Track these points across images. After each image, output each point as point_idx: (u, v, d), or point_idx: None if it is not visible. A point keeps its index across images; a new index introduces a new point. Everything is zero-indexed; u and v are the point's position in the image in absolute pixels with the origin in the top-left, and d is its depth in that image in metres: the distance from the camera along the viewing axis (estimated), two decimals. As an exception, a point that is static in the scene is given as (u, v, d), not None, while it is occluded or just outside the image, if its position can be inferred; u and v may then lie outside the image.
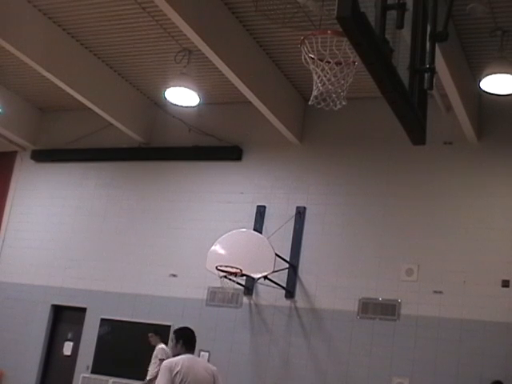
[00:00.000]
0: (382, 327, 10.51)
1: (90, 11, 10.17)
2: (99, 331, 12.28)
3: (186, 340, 5.53)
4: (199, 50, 9.79)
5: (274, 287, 10.97)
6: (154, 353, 10.78)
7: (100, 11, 10.12)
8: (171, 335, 5.72)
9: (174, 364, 5.28)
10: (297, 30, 8.83)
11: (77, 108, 12.94)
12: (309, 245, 11.33)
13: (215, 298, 11.64)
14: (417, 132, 4.12)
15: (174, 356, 5.53)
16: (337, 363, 10.64)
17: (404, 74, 3.80)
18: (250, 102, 10.83)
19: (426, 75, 3.98)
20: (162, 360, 10.60)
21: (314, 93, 6.99)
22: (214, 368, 5.55)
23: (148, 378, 10.67)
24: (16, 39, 10.10)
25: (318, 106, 7.19)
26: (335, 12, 3.13)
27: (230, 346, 11.29)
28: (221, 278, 10.43)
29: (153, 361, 10.72)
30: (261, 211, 11.72)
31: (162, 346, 10.84)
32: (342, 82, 6.91)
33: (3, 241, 13.84)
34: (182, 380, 5.21)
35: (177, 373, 5.21)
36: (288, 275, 11.17)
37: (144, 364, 10.98)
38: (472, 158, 10.75)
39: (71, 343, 12.72)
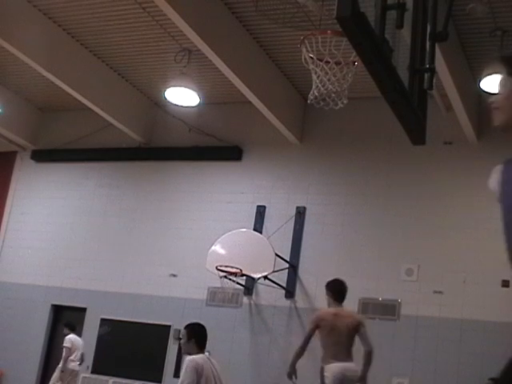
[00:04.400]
0: (382, 327, 10.50)
1: (90, 11, 10.18)
2: (99, 331, 12.27)
3: (198, 338, 5.61)
4: (199, 50, 9.79)
5: (273, 287, 10.96)
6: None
7: (100, 11, 10.12)
8: (182, 331, 5.70)
9: (200, 365, 5.35)
10: (297, 30, 8.83)
11: (77, 108, 12.92)
12: (309, 245, 11.32)
13: (215, 297, 11.64)
14: (417, 132, 4.12)
15: (185, 353, 5.57)
16: (337, 363, 10.62)
17: (404, 74, 3.80)
18: (250, 102, 10.83)
19: (426, 75, 3.97)
20: (66, 347, 10.96)
21: (314, 92, 7.00)
22: (218, 366, 5.69)
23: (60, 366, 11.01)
24: (16, 39, 10.10)
25: (318, 106, 7.20)
26: (335, 12, 3.13)
27: (230, 346, 11.28)
28: (221, 277, 10.43)
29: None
30: (261, 211, 11.71)
31: (71, 335, 11.23)
32: (342, 81, 6.92)
33: (3, 241, 13.82)
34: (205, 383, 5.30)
35: (201, 375, 5.31)
36: (288, 275, 11.16)
37: (144, 364, 10.99)
38: (472, 158, 10.73)
39: (71, 343, 12.74)
